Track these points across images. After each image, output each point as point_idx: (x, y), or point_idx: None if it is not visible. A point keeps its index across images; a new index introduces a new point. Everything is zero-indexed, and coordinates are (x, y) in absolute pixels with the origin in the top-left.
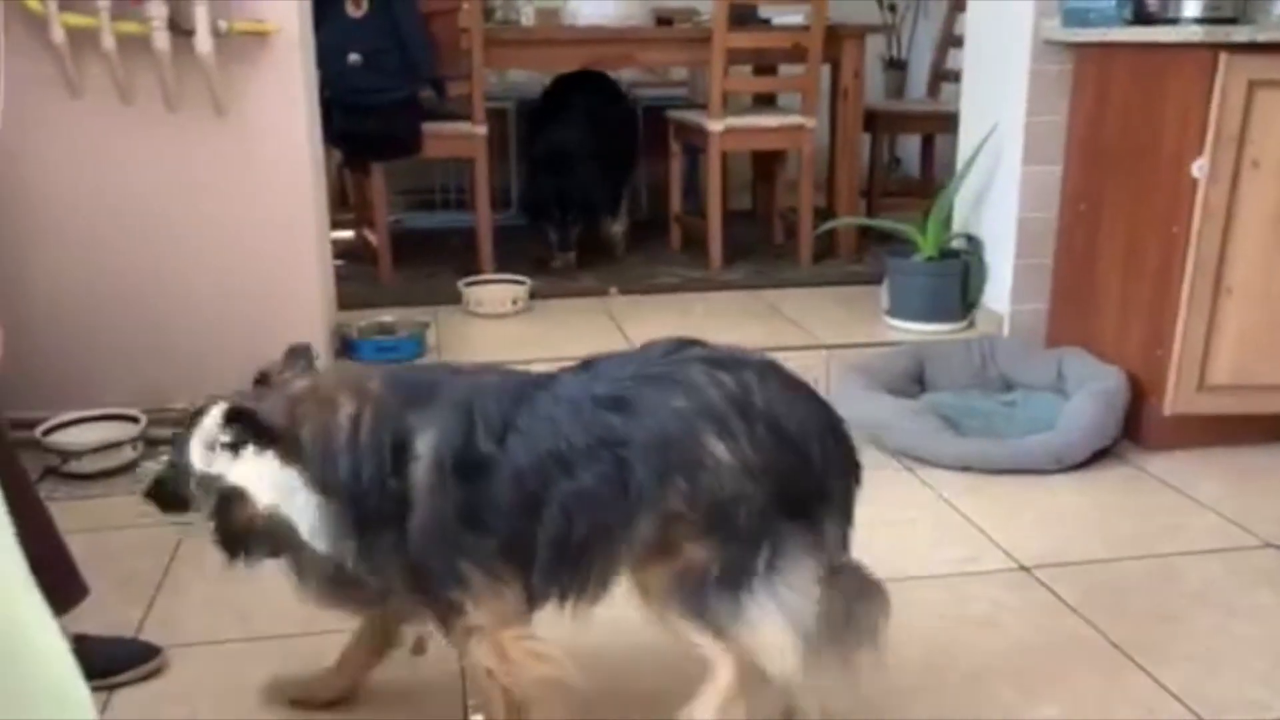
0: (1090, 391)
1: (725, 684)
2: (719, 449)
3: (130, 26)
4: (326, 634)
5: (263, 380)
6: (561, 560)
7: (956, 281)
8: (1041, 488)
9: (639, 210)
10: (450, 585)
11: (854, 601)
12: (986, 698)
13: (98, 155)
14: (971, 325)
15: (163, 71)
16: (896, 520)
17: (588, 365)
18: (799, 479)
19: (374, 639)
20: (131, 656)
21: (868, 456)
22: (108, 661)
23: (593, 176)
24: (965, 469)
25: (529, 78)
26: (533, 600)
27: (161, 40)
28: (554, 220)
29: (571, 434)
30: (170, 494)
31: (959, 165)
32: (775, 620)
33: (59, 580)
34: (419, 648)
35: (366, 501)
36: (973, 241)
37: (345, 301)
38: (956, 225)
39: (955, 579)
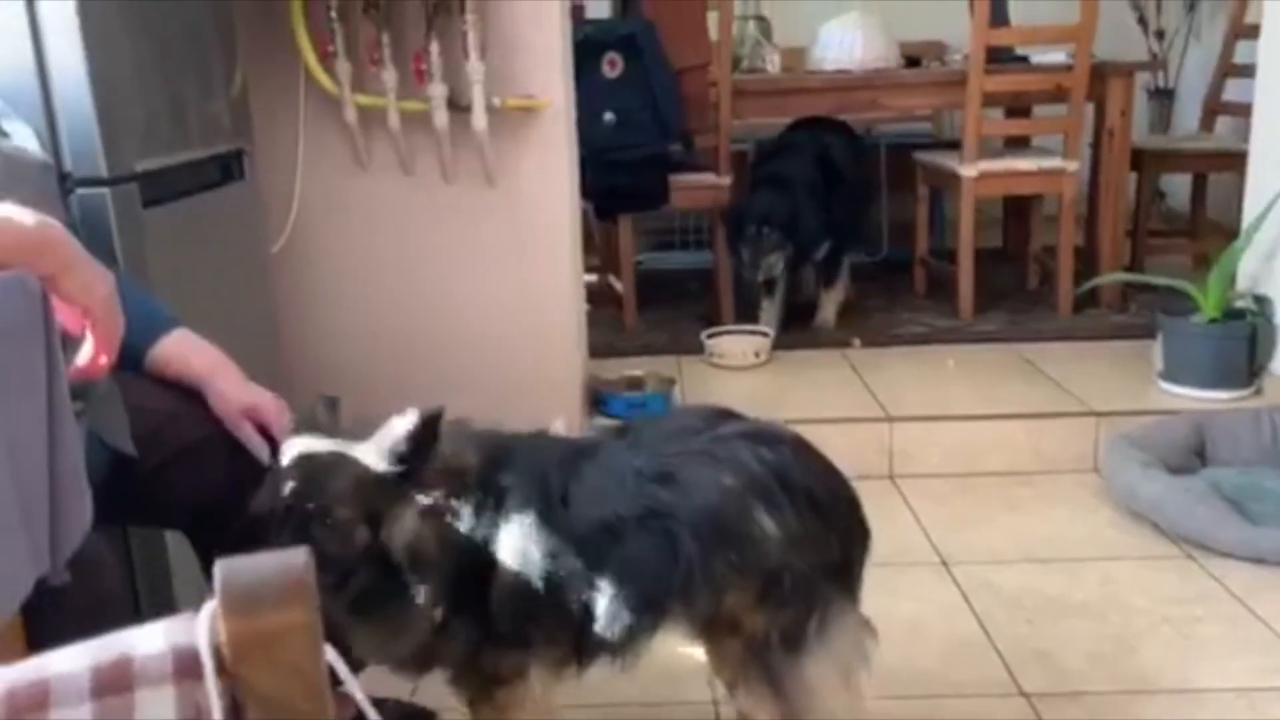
0: None
1: None
2: (766, 522)
3: (414, 105)
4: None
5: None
6: (613, 625)
7: (1243, 345)
8: None
9: (877, 250)
10: (515, 649)
11: (860, 639)
12: None
13: (379, 224)
14: (1259, 393)
15: (441, 145)
16: (1178, 617)
17: (625, 432)
18: (832, 546)
19: None
20: None
21: (1143, 539)
22: None
23: (805, 205)
24: (1259, 561)
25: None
26: (582, 661)
27: (441, 118)
28: (748, 238)
29: (619, 505)
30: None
31: (1245, 213)
32: (831, 676)
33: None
34: None
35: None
36: (1261, 301)
37: (592, 348)
38: (1241, 282)
39: (1255, 695)
